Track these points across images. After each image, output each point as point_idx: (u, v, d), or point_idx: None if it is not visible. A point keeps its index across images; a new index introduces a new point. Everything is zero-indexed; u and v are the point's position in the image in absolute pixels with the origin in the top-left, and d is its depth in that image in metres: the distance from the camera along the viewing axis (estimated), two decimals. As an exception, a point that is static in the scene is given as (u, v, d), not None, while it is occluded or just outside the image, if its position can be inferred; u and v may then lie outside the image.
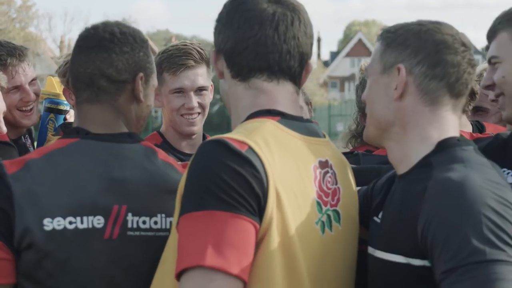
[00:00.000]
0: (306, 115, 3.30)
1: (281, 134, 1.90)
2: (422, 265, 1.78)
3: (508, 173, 2.22)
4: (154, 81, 2.22)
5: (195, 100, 3.28)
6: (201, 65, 3.29)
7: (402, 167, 1.94)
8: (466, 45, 1.94)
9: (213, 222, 1.72)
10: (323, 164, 1.97)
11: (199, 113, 3.32)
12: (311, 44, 2.01)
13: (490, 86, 2.25)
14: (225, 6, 2.01)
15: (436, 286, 1.70)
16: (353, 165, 2.39)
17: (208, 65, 3.32)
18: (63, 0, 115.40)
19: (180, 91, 3.30)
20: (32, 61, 3.68)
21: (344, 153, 3.07)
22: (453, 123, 1.94)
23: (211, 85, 3.36)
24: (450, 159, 1.84)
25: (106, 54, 2.12)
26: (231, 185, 1.74)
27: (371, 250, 1.98)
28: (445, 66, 1.90)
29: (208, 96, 3.34)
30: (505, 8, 2.25)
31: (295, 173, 1.87)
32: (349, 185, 2.08)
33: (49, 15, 74.87)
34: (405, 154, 1.93)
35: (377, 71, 1.97)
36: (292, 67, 1.96)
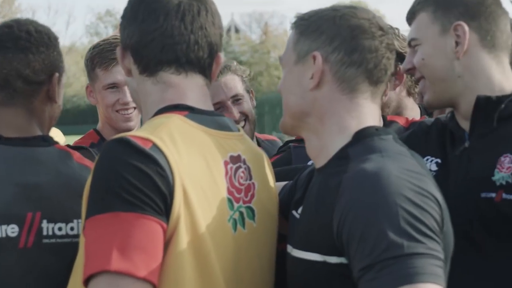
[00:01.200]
0: (248, 104, 3.24)
1: (189, 129, 1.84)
2: (339, 262, 1.70)
3: (431, 160, 2.17)
4: (63, 79, 2.18)
5: (129, 94, 3.13)
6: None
7: (320, 160, 1.87)
8: (383, 29, 1.87)
9: (118, 224, 1.66)
10: (235, 159, 1.90)
11: (134, 108, 3.24)
12: (220, 35, 1.95)
13: (411, 70, 2.19)
14: (129, 1, 1.95)
15: (355, 284, 1.63)
16: (279, 168, 2.34)
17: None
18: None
19: (114, 86, 3.23)
20: None
21: (281, 145, 3.01)
22: (371, 111, 1.87)
23: None
24: (367, 149, 1.77)
25: (23, 55, 2.06)
26: (135, 184, 1.68)
27: (289, 248, 1.91)
28: (362, 52, 1.83)
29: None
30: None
31: (204, 169, 1.81)
32: (265, 180, 2.02)
33: (32, 9, 73.83)
34: (323, 146, 1.86)
35: (291, 60, 1.90)
36: (201, 58, 1.90)
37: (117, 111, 3.24)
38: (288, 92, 1.91)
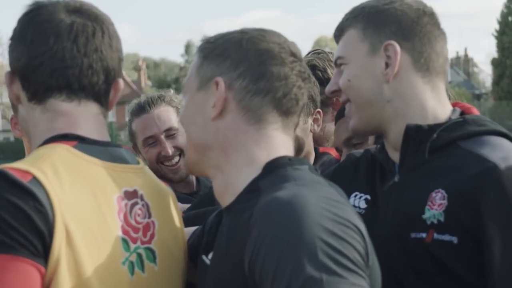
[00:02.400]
0: (183, 137, 3.05)
1: (76, 161, 1.64)
2: None
3: (360, 197, 1.98)
4: None
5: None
6: None
7: (227, 198, 1.67)
8: (295, 55, 1.69)
9: None
10: (131, 195, 1.71)
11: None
12: (119, 59, 1.76)
13: (336, 92, 1.98)
14: (19, 20, 1.76)
15: None
16: (193, 211, 2.15)
17: None
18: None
19: None
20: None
21: None
22: (284, 143, 1.68)
23: None
24: (280, 179, 1.58)
25: None
26: (9, 222, 1.49)
27: None
28: (270, 79, 1.64)
29: None
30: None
31: (92, 205, 1.61)
32: (168, 219, 1.82)
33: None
34: (229, 182, 1.66)
35: (194, 87, 1.71)
36: (95, 84, 1.71)
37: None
38: (190, 122, 1.72)
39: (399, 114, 1.89)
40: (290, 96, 1.66)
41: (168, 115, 3.12)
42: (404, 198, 1.86)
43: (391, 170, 1.93)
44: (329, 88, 2.01)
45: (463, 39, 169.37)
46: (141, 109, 3.17)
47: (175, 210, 1.86)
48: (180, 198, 2.28)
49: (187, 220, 2.12)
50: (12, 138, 36.57)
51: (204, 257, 1.75)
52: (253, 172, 1.63)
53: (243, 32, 1.70)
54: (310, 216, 1.44)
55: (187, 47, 76.55)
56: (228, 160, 1.66)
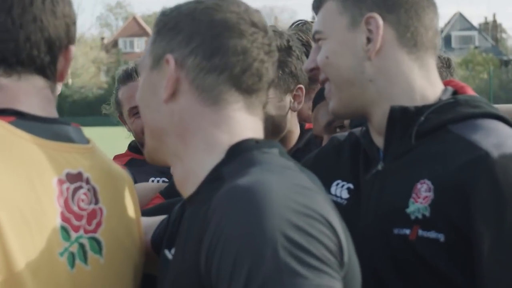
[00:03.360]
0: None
1: (10, 139, 1.45)
2: None
3: (342, 185, 1.78)
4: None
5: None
6: None
7: (189, 188, 1.48)
8: (257, 25, 1.49)
9: None
10: (74, 177, 1.52)
11: None
12: (67, 25, 1.58)
13: (314, 70, 1.78)
14: None
15: None
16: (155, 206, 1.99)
17: None
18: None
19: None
20: None
21: None
22: (249, 124, 1.48)
23: None
24: (245, 164, 1.39)
25: None
26: None
27: None
28: (225, 54, 1.45)
29: None
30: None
31: (26, 189, 1.42)
32: (120, 207, 1.63)
33: None
34: (189, 171, 1.48)
35: (147, 66, 1.53)
36: (36, 57, 1.53)
37: None
38: (144, 105, 1.54)
39: (383, 95, 1.68)
40: (251, 71, 1.46)
41: None
42: (387, 189, 1.66)
43: (375, 157, 1.72)
44: (306, 65, 1.81)
45: (492, 4, 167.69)
46: (128, 77, 3.01)
47: (130, 197, 1.68)
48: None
49: (158, 209, 1.94)
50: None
51: (166, 251, 1.57)
52: (215, 158, 1.44)
53: (198, 2, 1.50)
54: (273, 207, 1.26)
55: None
56: (186, 146, 1.47)
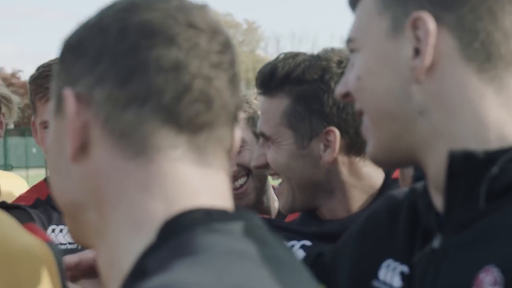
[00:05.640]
0: (250, 153, 2.36)
1: None
2: None
3: (393, 268, 1.24)
4: None
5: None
6: None
7: (112, 283, 0.97)
8: (197, 26, 0.95)
9: None
10: None
11: None
12: None
13: (348, 96, 1.23)
14: None
15: None
16: None
17: None
18: (289, 21, 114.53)
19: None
20: None
21: None
22: (199, 182, 0.95)
23: None
24: (175, 252, 0.89)
25: None
26: None
27: None
28: (147, 74, 0.93)
29: None
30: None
31: None
32: None
33: (276, 37, 75.31)
34: (113, 259, 0.97)
35: (51, 111, 1.03)
36: None
37: None
38: (52, 169, 1.04)
39: (440, 133, 1.12)
40: (191, 96, 0.94)
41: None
42: (442, 278, 1.10)
43: (434, 225, 1.17)
44: (338, 89, 1.26)
45: None
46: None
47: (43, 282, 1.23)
48: None
49: None
50: None
51: None
52: (144, 239, 0.93)
53: (109, 7, 0.99)
54: None
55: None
56: (107, 223, 0.96)
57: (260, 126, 1.83)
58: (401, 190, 1.39)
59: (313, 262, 1.45)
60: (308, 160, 1.76)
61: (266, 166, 1.83)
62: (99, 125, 0.94)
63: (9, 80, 33.99)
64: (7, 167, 23.05)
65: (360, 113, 1.21)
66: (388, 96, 1.14)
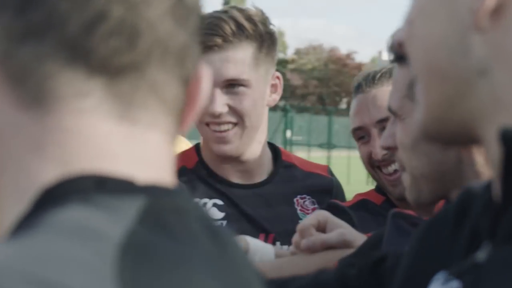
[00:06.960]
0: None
1: None
2: None
3: (446, 282, 0.94)
4: None
5: (221, 101, 2.01)
6: (237, 44, 2.02)
7: None
8: None
9: None
10: None
11: (235, 124, 2.06)
12: None
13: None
14: None
15: None
16: None
17: (260, 43, 2.03)
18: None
19: None
20: None
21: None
22: (116, 139, 0.70)
23: (261, 78, 2.06)
24: (25, 227, 0.69)
25: None
26: None
27: None
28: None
29: (250, 97, 2.03)
30: None
31: None
32: None
33: None
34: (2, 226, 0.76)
35: None
36: None
37: (207, 124, 2.08)
38: None
39: (503, 102, 0.80)
40: (106, 26, 0.69)
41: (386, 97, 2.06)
42: None
43: (483, 230, 0.87)
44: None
45: None
46: (357, 88, 2.17)
47: None
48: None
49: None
50: None
51: None
52: (19, 207, 0.73)
53: None
54: None
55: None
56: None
57: (388, 99, 1.53)
58: (480, 182, 1.07)
59: (372, 268, 1.26)
60: None
61: (394, 148, 1.50)
62: None
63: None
64: None
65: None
66: (442, 48, 0.84)
